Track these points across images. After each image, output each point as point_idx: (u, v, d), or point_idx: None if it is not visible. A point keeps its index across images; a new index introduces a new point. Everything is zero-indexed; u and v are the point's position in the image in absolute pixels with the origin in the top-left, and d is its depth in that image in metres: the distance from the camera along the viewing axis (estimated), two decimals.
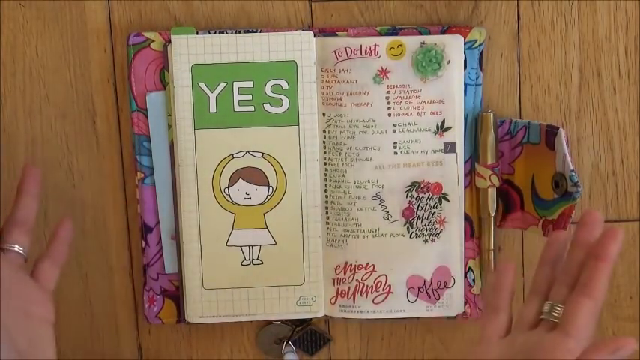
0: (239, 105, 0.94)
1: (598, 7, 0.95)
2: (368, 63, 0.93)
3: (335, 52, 0.93)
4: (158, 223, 0.97)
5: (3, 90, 0.95)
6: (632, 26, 0.95)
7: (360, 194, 0.95)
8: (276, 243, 0.96)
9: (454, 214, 0.96)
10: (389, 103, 0.94)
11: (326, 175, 0.95)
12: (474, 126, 0.95)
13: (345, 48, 0.93)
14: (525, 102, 0.96)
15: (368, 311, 0.97)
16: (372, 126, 0.94)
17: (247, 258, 0.96)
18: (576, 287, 0.76)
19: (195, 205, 0.95)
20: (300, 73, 0.93)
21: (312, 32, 0.93)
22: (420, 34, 0.94)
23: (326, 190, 0.96)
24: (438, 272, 0.97)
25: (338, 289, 0.97)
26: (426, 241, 0.96)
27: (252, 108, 0.94)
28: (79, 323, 1.00)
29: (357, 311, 0.98)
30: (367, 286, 0.97)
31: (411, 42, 0.93)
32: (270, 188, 0.95)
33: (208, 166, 0.95)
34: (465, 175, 0.96)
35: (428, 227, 0.96)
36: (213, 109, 0.94)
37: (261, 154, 0.95)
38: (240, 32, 0.93)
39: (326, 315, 0.99)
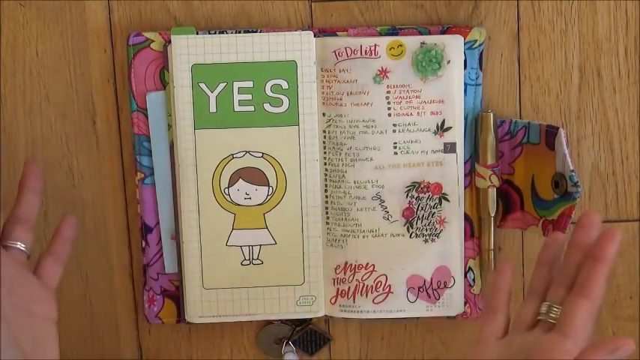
0: (239, 105, 0.94)
1: (598, 7, 0.95)
2: (368, 63, 0.93)
3: (335, 52, 0.93)
4: (158, 223, 0.97)
5: (3, 90, 0.95)
6: (632, 26, 0.95)
7: (360, 194, 0.95)
8: (276, 243, 0.96)
9: (454, 214, 0.96)
10: (389, 103, 0.94)
11: (326, 175, 0.95)
12: (474, 126, 0.95)
13: (345, 48, 0.93)
14: (525, 102, 0.96)
15: (368, 311, 0.97)
16: (372, 126, 0.94)
17: (247, 258, 0.96)
18: (574, 288, 0.76)
19: (195, 205, 0.95)
20: (300, 73, 0.93)
21: (312, 32, 0.93)
22: (420, 34, 0.94)
23: (326, 190, 0.96)
24: (438, 272, 0.97)
25: (338, 289, 0.97)
26: (426, 241, 0.96)
27: (252, 108, 0.94)
28: (79, 323, 1.00)
29: (357, 311, 0.98)
30: (367, 286, 0.97)
31: (411, 42, 0.93)
32: (270, 188, 0.95)
33: (208, 166, 0.95)
34: (465, 175, 0.96)
35: (428, 227, 0.96)
36: (213, 109, 0.94)
37: (261, 154, 0.95)
38: (240, 32, 0.93)
39: (326, 315, 0.99)
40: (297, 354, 1.01)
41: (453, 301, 0.97)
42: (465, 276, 0.98)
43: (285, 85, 0.94)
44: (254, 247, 0.96)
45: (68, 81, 0.95)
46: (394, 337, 1.01)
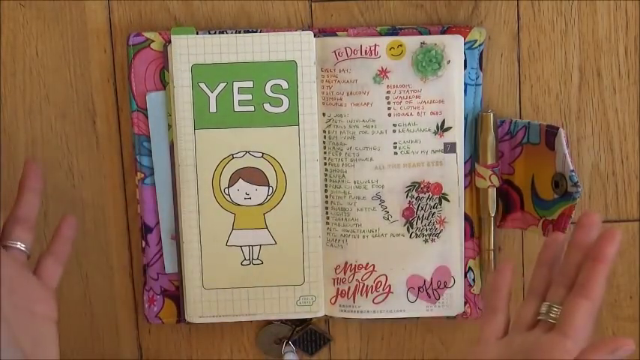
0: (239, 105, 0.94)
1: (598, 7, 0.95)
2: (368, 63, 0.93)
3: (335, 52, 0.93)
4: (158, 223, 0.97)
5: (3, 90, 0.95)
6: (632, 26, 0.95)
7: (360, 194, 0.95)
8: (276, 243, 0.96)
9: (454, 214, 0.96)
10: (389, 103, 0.94)
11: (326, 175, 0.95)
12: (474, 126, 0.95)
13: (345, 48, 0.93)
14: (525, 102, 0.96)
15: (368, 311, 0.97)
16: (372, 126, 0.94)
17: (247, 258, 0.96)
18: (574, 288, 0.76)
19: (195, 205, 0.95)
20: (300, 73, 0.93)
21: (312, 32, 0.93)
22: (420, 34, 0.94)
23: (326, 190, 0.96)
24: (438, 272, 0.97)
25: (338, 289, 0.97)
26: (426, 241, 0.96)
27: (252, 108, 0.94)
28: (79, 323, 1.00)
29: (357, 311, 0.98)
30: (367, 286, 0.97)
31: (411, 42, 0.93)
32: (270, 188, 0.95)
33: (208, 166, 0.95)
34: (465, 175, 0.96)
35: (428, 227, 0.96)
36: (213, 109, 0.94)
37: (261, 154, 0.95)
38: (240, 32, 0.93)
39: (326, 315, 0.99)
40: (297, 354, 1.01)
41: (453, 301, 0.97)
42: (465, 276, 0.98)
43: (285, 85, 0.94)
44: (254, 247, 0.96)
45: (68, 81, 0.95)
46: (394, 337, 1.01)
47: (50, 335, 0.82)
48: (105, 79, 0.95)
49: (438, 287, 0.97)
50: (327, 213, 0.96)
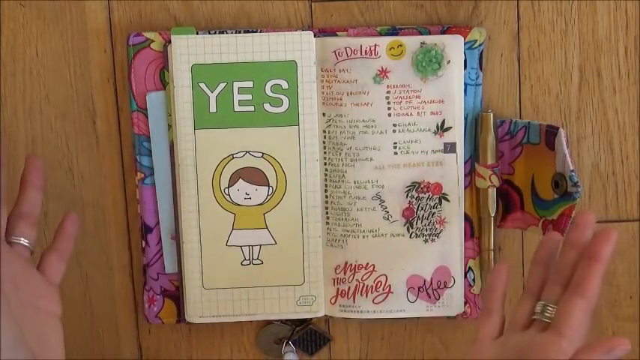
0: (239, 105, 0.94)
1: (598, 7, 0.95)
2: (368, 63, 0.93)
3: (335, 52, 0.93)
4: (158, 223, 0.97)
5: (3, 90, 0.95)
6: (632, 26, 0.95)
7: (360, 194, 0.95)
8: (276, 243, 0.96)
9: (454, 214, 0.96)
10: (389, 103, 0.94)
11: (326, 175, 0.95)
12: (474, 126, 0.95)
13: (345, 48, 0.93)
14: (525, 102, 0.96)
15: (368, 311, 0.97)
16: (372, 126, 0.94)
17: (247, 258, 0.96)
18: (569, 287, 0.76)
19: (195, 205, 0.95)
20: (300, 73, 0.93)
21: (312, 32, 0.93)
22: (420, 34, 0.94)
23: (326, 190, 0.96)
24: (438, 272, 0.97)
25: (338, 289, 0.97)
26: (426, 241, 0.96)
27: (252, 108, 0.94)
28: (79, 323, 1.00)
29: (357, 311, 0.98)
30: (367, 286, 0.97)
31: (411, 42, 0.93)
32: (270, 188, 0.95)
33: (208, 166, 0.95)
34: (465, 175, 0.96)
35: (428, 227, 0.96)
36: (213, 109, 0.94)
37: (261, 154, 0.95)
38: (240, 32, 0.93)
39: (326, 315, 0.99)
40: (297, 354, 1.01)
41: (453, 301, 0.97)
42: (465, 276, 0.98)
43: (285, 85, 0.94)
44: (254, 247, 0.96)
45: (68, 81, 0.95)
46: (394, 337, 1.01)
47: (55, 332, 0.82)
48: (105, 79, 0.95)
49: (438, 287, 0.97)
50: (327, 213, 0.96)
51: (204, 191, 0.95)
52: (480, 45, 0.94)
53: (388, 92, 0.93)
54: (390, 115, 0.94)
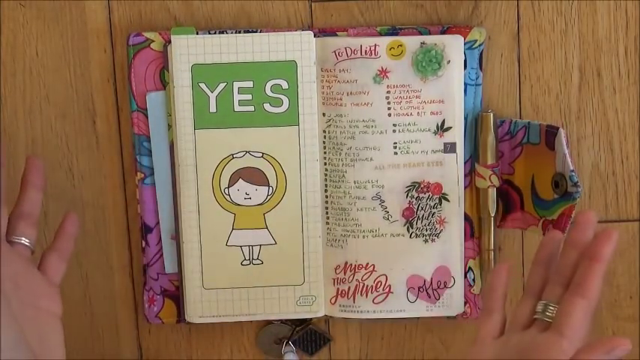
0: (239, 105, 0.94)
1: (598, 7, 0.95)
2: (368, 63, 0.93)
3: (335, 52, 0.93)
4: (158, 223, 0.97)
5: (3, 90, 0.95)
6: (632, 26, 0.95)
7: (360, 194, 0.95)
8: (276, 243, 0.96)
9: (454, 214, 0.96)
10: (389, 103, 0.94)
11: (326, 175, 0.95)
12: (474, 126, 0.95)
13: (345, 48, 0.93)
14: (525, 102, 0.96)
15: (368, 311, 0.97)
16: (372, 126, 0.94)
17: (247, 258, 0.96)
18: (570, 287, 0.76)
19: (195, 205, 0.95)
20: (300, 73, 0.93)
21: (312, 32, 0.93)
22: (420, 34, 0.94)
23: (326, 190, 0.96)
24: (438, 272, 0.97)
25: (338, 289, 0.97)
26: (426, 241, 0.96)
27: (252, 108, 0.94)
28: (79, 323, 1.00)
29: (357, 311, 0.98)
30: (367, 286, 0.97)
31: (411, 42, 0.93)
32: (270, 188, 0.95)
33: (208, 166, 0.95)
34: (465, 175, 0.96)
35: (428, 227, 0.96)
36: (213, 109, 0.94)
37: (261, 154, 0.95)
38: (240, 32, 0.93)
39: (326, 315, 0.99)
40: (297, 354, 1.01)
41: (453, 301, 0.97)
42: (465, 276, 0.98)
43: (285, 85, 0.94)
44: (254, 247, 0.96)
45: (68, 81, 0.95)
46: (394, 337, 1.01)
47: (56, 332, 0.82)
48: (105, 79, 0.95)
49: (438, 287, 0.97)
50: (327, 213, 0.96)
51: (204, 191, 0.95)
52: (480, 45, 0.94)
53: (388, 92, 0.93)
54: (390, 115, 0.94)
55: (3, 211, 0.83)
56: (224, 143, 0.94)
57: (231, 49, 0.93)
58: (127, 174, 0.97)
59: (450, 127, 0.94)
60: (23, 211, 0.85)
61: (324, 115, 0.94)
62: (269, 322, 1.00)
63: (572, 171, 0.89)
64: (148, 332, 1.01)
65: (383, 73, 0.93)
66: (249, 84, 0.93)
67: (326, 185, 0.96)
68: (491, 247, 0.97)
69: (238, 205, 0.96)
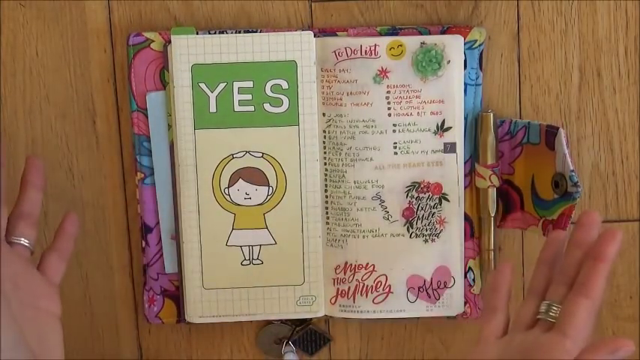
0: (239, 105, 0.94)
1: (598, 7, 0.95)
2: (368, 63, 0.93)
3: (335, 52, 0.93)
4: (158, 223, 0.97)
5: (3, 90, 0.95)
6: (632, 26, 0.95)
7: (360, 194, 0.95)
8: (276, 243, 0.96)
9: (454, 214, 0.96)
10: (389, 103, 0.94)
11: (326, 175, 0.95)
12: (474, 126, 0.95)
13: (345, 48, 0.93)
14: (525, 102, 0.96)
15: (368, 311, 0.97)
16: (372, 126, 0.94)
17: (247, 258, 0.96)
18: (574, 287, 0.76)
19: (195, 205, 0.95)
20: (300, 73, 0.93)
21: (312, 32, 0.93)
22: (420, 34, 0.94)
23: (326, 190, 0.96)
24: (438, 272, 0.97)
25: (338, 289, 0.97)
26: (426, 241, 0.96)
27: (252, 108, 0.94)
28: (79, 323, 1.00)
29: (357, 311, 0.98)
30: (367, 286, 0.97)
31: (411, 42, 0.93)
32: (270, 188, 0.95)
33: (208, 166, 0.95)
34: (465, 175, 0.96)
35: (428, 227, 0.96)
36: (213, 109, 0.94)
37: (261, 154, 0.95)
38: (240, 32, 0.93)
39: (326, 315, 0.99)
40: (297, 354, 1.01)
41: (453, 301, 0.97)
42: (465, 276, 0.98)
43: (285, 85, 0.94)
44: (254, 247, 0.96)
45: (68, 81, 0.95)
46: (394, 337, 1.01)
47: (55, 332, 0.82)
48: (105, 79, 0.95)
49: (438, 287, 0.97)
50: (327, 213, 0.96)
51: (204, 191, 0.95)
52: (480, 45, 0.94)
53: (388, 92, 0.93)
54: (390, 115, 0.94)
55: (3, 212, 0.83)
56: (224, 143, 0.94)
57: (231, 49, 0.93)
58: (127, 174, 0.97)
59: (450, 127, 0.94)
60: (23, 212, 0.85)
61: (324, 115, 0.94)
62: (269, 322, 1.00)
63: (572, 171, 0.89)
64: (148, 332, 1.01)
65: (383, 73, 0.93)
66: (249, 84, 0.93)
67: (326, 185, 0.96)
68: (492, 247, 0.97)
69: (238, 205, 0.96)
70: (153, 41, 0.93)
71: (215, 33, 0.93)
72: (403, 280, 0.97)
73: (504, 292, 0.81)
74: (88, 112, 0.96)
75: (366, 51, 0.93)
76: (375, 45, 0.93)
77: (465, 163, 0.95)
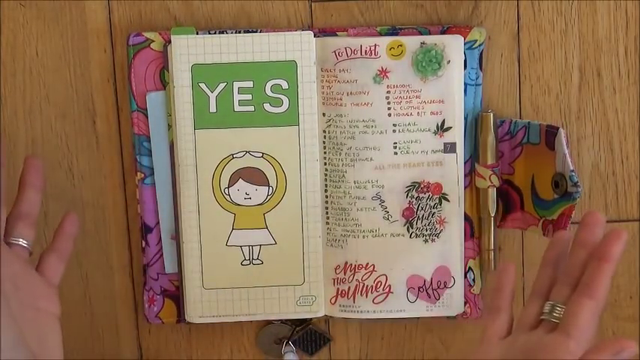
0: (239, 105, 0.94)
1: (598, 7, 0.95)
2: (368, 63, 0.93)
3: (335, 52, 0.93)
4: (158, 223, 0.97)
5: (3, 90, 0.95)
6: (632, 26, 0.95)
7: (360, 194, 0.95)
8: (276, 243, 0.96)
9: (454, 214, 0.96)
10: (389, 103, 0.94)
11: (326, 175, 0.95)
12: (474, 126, 0.95)
13: (345, 48, 0.93)
14: (525, 102, 0.96)
15: (368, 311, 0.97)
16: (372, 126, 0.94)
17: (247, 258, 0.96)
18: (578, 288, 0.75)
19: (195, 205, 0.95)
20: (300, 73, 0.93)
21: (312, 32, 0.93)
22: (420, 34, 0.94)
23: (326, 190, 0.96)
24: (438, 272, 0.97)
25: (338, 289, 0.97)
26: (426, 241, 0.96)
27: (252, 108, 0.94)
28: (79, 323, 1.00)
29: (357, 311, 0.98)
30: (367, 286, 0.97)
31: (411, 42, 0.93)
32: (270, 188, 0.95)
33: (208, 166, 0.95)
34: (465, 175, 0.96)
35: (428, 227, 0.96)
36: (213, 109, 0.94)
37: (261, 154, 0.95)
38: (240, 32, 0.93)
39: (326, 315, 0.99)
40: (297, 354, 1.01)
41: (453, 301, 0.97)
42: (465, 276, 0.97)
43: (285, 85, 0.94)
44: (254, 247, 0.96)
45: (68, 81, 0.95)
46: (394, 337, 1.01)
47: (54, 332, 0.82)
48: (105, 79, 0.95)
49: (438, 287, 0.97)
50: (327, 213, 0.96)
51: (204, 191, 0.95)
52: (480, 45, 0.94)
53: (388, 92, 0.93)
54: (390, 115, 0.94)
55: (2, 212, 0.83)
56: (224, 143, 0.94)
57: (231, 49, 0.93)
58: (127, 174, 0.97)
59: (450, 127, 0.94)
60: (21, 212, 0.85)
61: (324, 115, 0.94)
62: (269, 322, 1.00)
63: (572, 171, 0.89)
64: (148, 332, 1.01)
65: (383, 73, 0.93)
66: (249, 84, 0.93)
67: (326, 185, 0.96)
68: (492, 247, 0.97)
69: (238, 205, 0.96)
70: (153, 41, 0.93)
71: (215, 33, 0.93)
72: (403, 280, 0.97)
73: (508, 292, 0.80)
74: (88, 112, 0.96)
75: (366, 51, 0.93)
76: (375, 45, 0.93)
77: (465, 163, 0.95)
